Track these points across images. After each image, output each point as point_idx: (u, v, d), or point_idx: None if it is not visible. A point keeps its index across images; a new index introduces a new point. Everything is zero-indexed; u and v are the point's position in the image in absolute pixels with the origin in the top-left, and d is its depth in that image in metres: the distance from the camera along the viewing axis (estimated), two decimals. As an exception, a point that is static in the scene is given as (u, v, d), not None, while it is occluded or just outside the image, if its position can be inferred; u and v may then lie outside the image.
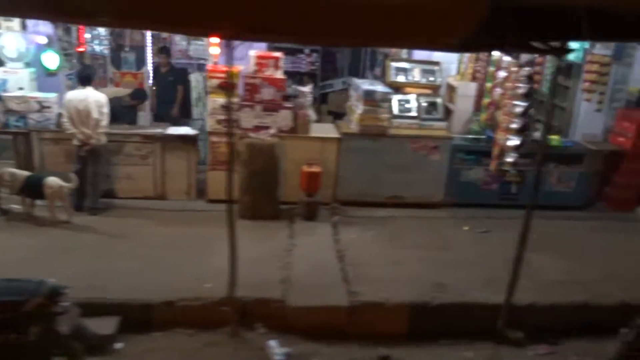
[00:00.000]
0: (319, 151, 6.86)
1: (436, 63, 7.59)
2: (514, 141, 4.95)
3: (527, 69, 5.02)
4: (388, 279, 5.49)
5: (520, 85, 5.06)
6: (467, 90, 7.24)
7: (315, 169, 6.60)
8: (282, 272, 5.48)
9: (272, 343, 4.62)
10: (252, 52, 6.68)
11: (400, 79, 7.56)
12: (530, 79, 4.84)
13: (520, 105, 5.01)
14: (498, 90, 6.03)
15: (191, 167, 6.92)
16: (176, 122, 7.48)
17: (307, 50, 9.70)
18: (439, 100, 7.31)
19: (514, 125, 5.05)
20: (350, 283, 5.36)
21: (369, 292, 5.18)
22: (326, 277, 5.44)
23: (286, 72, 9.79)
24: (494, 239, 6.63)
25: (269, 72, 6.59)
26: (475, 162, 7.27)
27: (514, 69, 5.13)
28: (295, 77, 10.03)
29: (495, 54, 6.10)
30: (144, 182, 6.86)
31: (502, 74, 5.72)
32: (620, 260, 6.19)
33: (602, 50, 8.08)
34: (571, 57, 7.94)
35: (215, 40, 7.01)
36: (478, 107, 7.35)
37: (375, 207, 7.17)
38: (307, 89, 6.79)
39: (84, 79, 6.25)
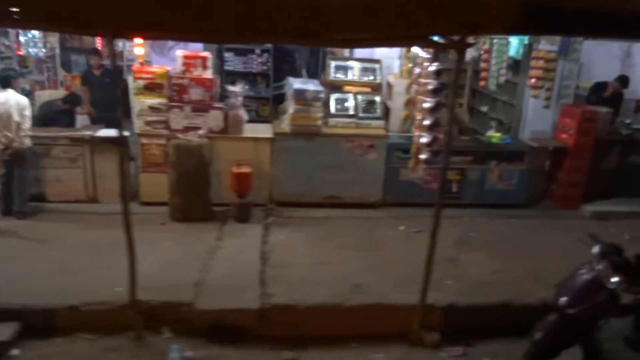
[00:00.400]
0: (252, 151, 6.77)
1: (377, 61, 7.50)
2: (425, 138, 4.84)
3: (435, 64, 4.92)
4: (308, 280, 5.38)
5: (430, 81, 4.96)
6: (403, 87, 7.13)
7: (245, 169, 6.50)
8: (199, 275, 5.38)
9: (173, 347, 4.52)
10: (179, 52, 6.58)
11: (340, 77, 7.47)
12: (438, 74, 4.74)
13: (429, 102, 4.91)
14: (414, 87, 5.93)
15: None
16: (117, 125, 7.35)
17: (258, 51, 9.60)
18: (377, 98, 7.21)
19: (425, 122, 4.95)
20: (267, 285, 5.26)
21: (283, 294, 5.09)
22: (243, 279, 5.34)
23: (238, 73, 9.87)
24: (426, 239, 6.51)
25: (197, 72, 6.49)
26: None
27: (426, 64, 5.04)
28: (248, 77, 9.94)
29: (415, 49, 6.01)
30: (74, 185, 6.76)
31: (417, 70, 5.63)
32: (552, 259, 6.07)
33: (547, 45, 7.99)
34: (512, 52, 7.87)
35: (139, 40, 6.91)
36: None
37: (312, 208, 7.08)
38: (237, 89, 6.69)
39: (4, 81, 6.15)
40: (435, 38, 4.22)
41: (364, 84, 7.42)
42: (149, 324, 4.82)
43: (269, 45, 9.49)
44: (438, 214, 4.70)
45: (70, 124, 7.54)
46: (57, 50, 9.25)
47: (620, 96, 8.49)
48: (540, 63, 7.98)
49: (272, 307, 4.93)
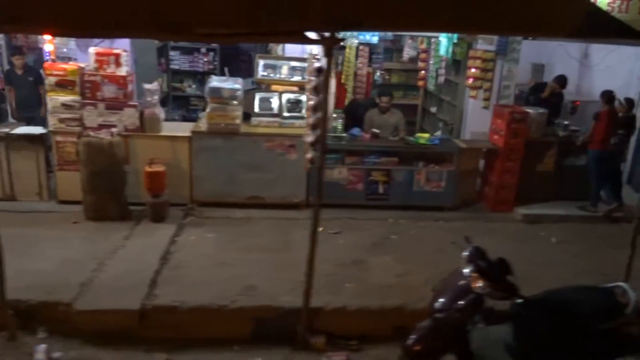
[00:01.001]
0: (169, 150, 6.68)
1: (305, 59, 7.38)
2: (310, 137, 4.72)
3: (316, 62, 4.79)
4: (201, 282, 5.27)
5: (312, 78, 4.84)
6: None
7: (157, 168, 6.40)
8: (91, 274, 5.28)
9: (39, 347, 4.42)
10: (91, 49, 6.50)
11: (269, 75, 7.37)
12: (319, 72, 4.62)
13: (312, 99, 4.79)
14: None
15: (41, 167, 6.75)
16: (38, 123, 7.31)
17: (203, 49, 9.51)
18: (303, 97, 7.08)
19: (310, 120, 4.83)
20: (157, 286, 5.14)
21: (170, 295, 4.97)
22: (134, 280, 5.21)
23: (184, 72, 9.79)
24: (342, 240, 6.41)
25: (111, 70, 6.40)
26: (338, 161, 7.04)
27: (313, 61, 4.92)
28: (196, 76, 9.86)
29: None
30: (-10, 182, 6.70)
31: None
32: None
33: (485, 45, 7.85)
34: (442, 51, 7.72)
35: (48, 37, 6.85)
36: (341, 104, 7.13)
37: (235, 208, 6.97)
38: (153, 86, 6.59)
39: None
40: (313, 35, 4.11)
41: (292, 83, 7.31)
42: (27, 324, 4.73)
43: (215, 45, 9.40)
44: (316, 216, 4.57)
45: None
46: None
47: (560, 96, 8.31)
48: (478, 63, 7.85)
49: (153, 308, 4.82)
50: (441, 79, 8.19)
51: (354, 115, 7.82)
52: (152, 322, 4.80)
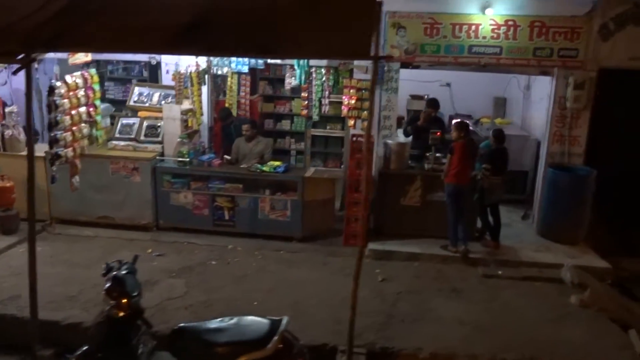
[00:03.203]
0: (28, 169, 7.18)
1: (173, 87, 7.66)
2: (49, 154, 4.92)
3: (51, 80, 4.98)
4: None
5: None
6: (172, 112, 7.19)
7: (5, 183, 6.92)
8: None
9: None
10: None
11: (141, 102, 7.73)
12: (51, 90, 4.81)
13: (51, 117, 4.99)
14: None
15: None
16: None
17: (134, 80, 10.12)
18: (160, 123, 7.34)
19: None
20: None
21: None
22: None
23: (119, 101, 10.42)
24: (157, 262, 6.48)
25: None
26: (184, 185, 7.16)
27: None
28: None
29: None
30: None
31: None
32: (255, 292, 5.78)
33: (360, 74, 7.66)
34: (297, 80, 7.63)
35: None
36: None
37: (89, 227, 7.31)
38: (14, 109, 7.18)
39: None
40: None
41: (157, 109, 7.60)
42: None
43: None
44: (31, 234, 4.72)
45: None
46: None
47: (440, 121, 7.81)
48: (353, 92, 7.66)
49: None
50: (325, 109, 8.06)
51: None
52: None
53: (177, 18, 3.95)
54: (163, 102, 7.58)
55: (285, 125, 10.39)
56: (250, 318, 4.03)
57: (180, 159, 7.10)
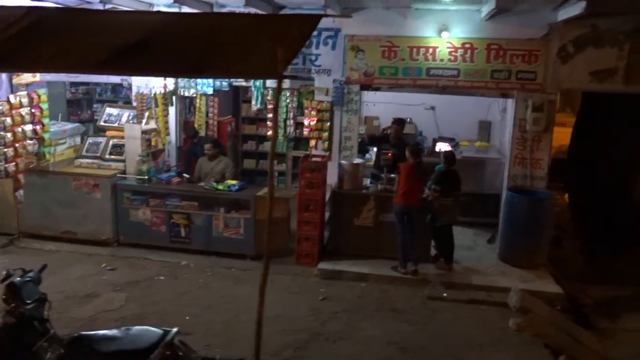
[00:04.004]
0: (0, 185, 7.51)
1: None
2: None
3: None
4: None
5: None
6: (133, 132, 7.43)
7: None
8: None
9: None
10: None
11: (110, 122, 8.02)
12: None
13: None
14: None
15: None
16: None
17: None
18: (124, 142, 7.59)
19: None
20: None
21: None
22: None
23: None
24: (106, 276, 6.64)
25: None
26: (142, 202, 7.34)
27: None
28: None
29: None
30: None
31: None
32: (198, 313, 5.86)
33: (321, 96, 7.80)
34: (254, 101, 7.78)
35: None
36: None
37: (53, 241, 7.55)
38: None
39: None
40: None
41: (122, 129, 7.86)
42: None
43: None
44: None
45: None
46: None
47: (403, 143, 7.82)
48: (313, 113, 7.80)
49: None
50: (289, 130, 8.19)
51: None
52: None
53: (121, 40, 4.16)
54: (131, 122, 7.84)
55: (267, 146, 10.54)
56: (144, 328, 4.11)
57: (139, 177, 7.30)
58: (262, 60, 3.91)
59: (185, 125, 8.43)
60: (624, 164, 8.55)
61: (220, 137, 8.49)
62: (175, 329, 3.98)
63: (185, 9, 6.99)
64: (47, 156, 7.37)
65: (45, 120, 6.95)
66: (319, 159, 7.25)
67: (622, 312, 6.59)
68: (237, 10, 7.12)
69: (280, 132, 8.28)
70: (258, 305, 4.24)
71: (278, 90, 3.97)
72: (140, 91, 7.51)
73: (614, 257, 7.79)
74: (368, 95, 9.33)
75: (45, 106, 6.90)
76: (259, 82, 7.49)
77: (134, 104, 8.02)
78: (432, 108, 11.01)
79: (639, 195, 9.00)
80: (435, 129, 10.97)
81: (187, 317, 5.65)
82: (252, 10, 6.84)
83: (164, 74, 5.74)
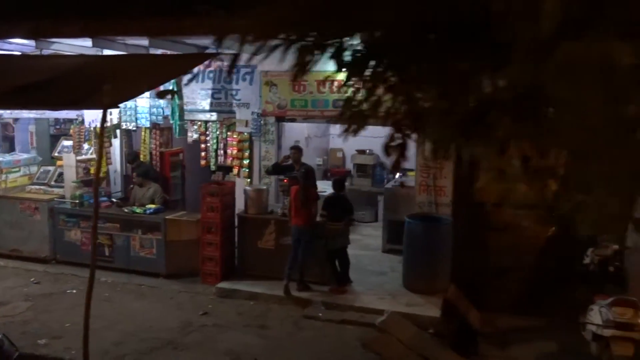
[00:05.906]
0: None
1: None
2: None
3: None
4: None
5: None
6: (69, 161, 8.34)
7: None
8: None
9: None
10: None
11: (64, 153, 9.03)
12: None
13: None
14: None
15: None
16: None
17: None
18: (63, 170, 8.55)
19: None
20: None
21: None
22: None
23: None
24: (27, 289, 7.43)
25: None
26: (75, 224, 8.17)
27: None
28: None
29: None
30: None
31: None
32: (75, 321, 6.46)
33: (241, 127, 8.41)
34: (176, 134, 8.45)
35: None
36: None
37: (3, 258, 8.53)
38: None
39: None
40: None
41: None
42: None
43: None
44: None
45: None
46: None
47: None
48: (234, 144, 8.41)
49: None
50: (221, 159, 8.81)
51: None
52: None
53: (25, 79, 4.96)
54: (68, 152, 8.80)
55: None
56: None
57: (72, 201, 8.17)
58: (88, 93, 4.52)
59: (129, 156, 9.28)
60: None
61: (163, 167, 9.26)
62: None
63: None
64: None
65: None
66: (221, 185, 7.81)
67: (516, 341, 6.55)
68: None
69: (212, 160, 8.93)
70: (85, 310, 4.81)
71: (103, 119, 4.59)
72: (77, 124, 8.49)
73: (553, 291, 7.65)
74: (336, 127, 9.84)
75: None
76: (177, 116, 8.23)
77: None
78: (397, 139, 11.30)
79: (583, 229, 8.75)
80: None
81: (67, 325, 6.29)
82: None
83: (38, 107, 6.55)
